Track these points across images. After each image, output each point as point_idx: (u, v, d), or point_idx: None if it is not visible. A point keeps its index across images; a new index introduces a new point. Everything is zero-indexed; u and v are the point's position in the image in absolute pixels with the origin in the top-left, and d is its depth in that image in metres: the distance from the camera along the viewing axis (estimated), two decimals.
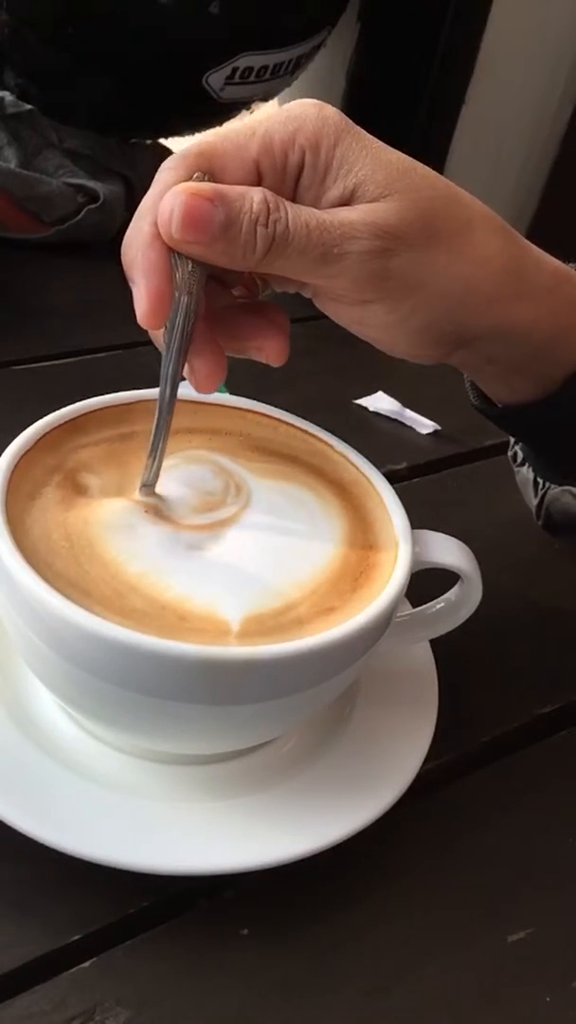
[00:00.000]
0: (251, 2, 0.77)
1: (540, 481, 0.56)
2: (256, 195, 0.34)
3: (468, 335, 0.39)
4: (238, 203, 0.34)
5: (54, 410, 0.39)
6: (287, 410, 0.43)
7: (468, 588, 0.40)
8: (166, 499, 0.37)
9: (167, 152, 0.91)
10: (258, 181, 0.36)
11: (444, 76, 0.98)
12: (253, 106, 0.88)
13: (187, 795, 0.38)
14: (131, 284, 0.36)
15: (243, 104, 0.86)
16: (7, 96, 0.82)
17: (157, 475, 0.37)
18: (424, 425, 0.68)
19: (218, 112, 0.86)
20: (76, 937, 0.35)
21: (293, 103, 0.36)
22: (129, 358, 0.69)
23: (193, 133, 0.91)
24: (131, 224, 0.36)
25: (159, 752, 0.39)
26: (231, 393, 0.43)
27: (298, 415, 0.43)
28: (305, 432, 0.42)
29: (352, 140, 0.36)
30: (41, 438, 0.38)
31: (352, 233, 0.35)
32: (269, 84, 0.84)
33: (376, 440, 0.66)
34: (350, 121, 0.36)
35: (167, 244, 0.34)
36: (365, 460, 0.41)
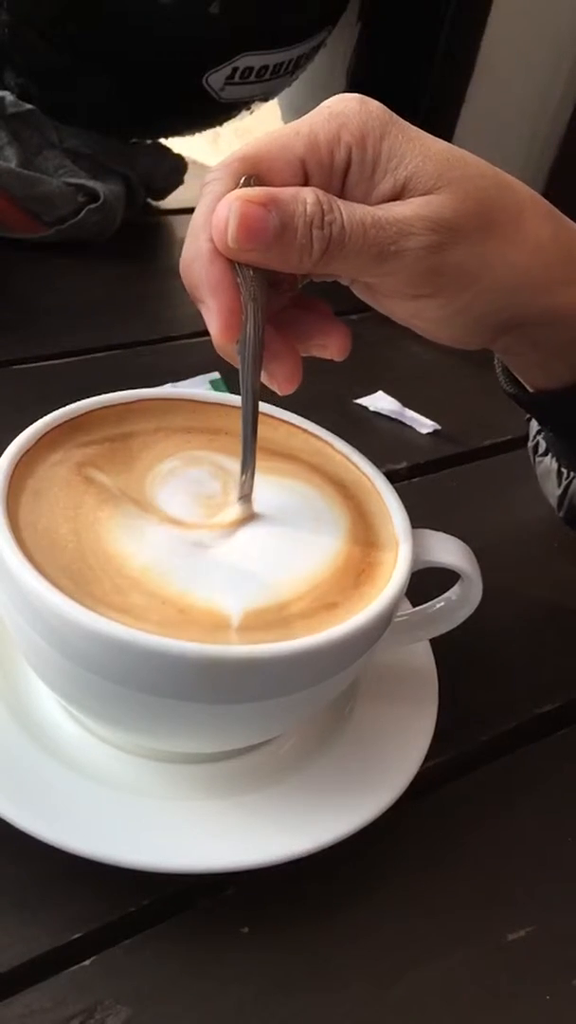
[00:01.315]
0: (251, 2, 0.77)
1: (564, 472, 0.55)
2: (309, 196, 0.34)
3: (518, 321, 0.39)
4: (291, 206, 0.33)
5: (54, 409, 0.39)
6: (287, 409, 0.43)
7: (468, 587, 0.40)
8: (170, 500, 0.37)
9: (168, 152, 0.91)
10: (305, 181, 0.35)
11: (444, 76, 0.98)
12: (253, 106, 0.88)
13: (187, 793, 0.38)
14: (198, 304, 0.35)
15: (243, 104, 0.86)
16: (7, 96, 0.82)
17: (252, 486, 0.37)
18: (424, 425, 0.68)
19: (218, 112, 0.86)
20: (76, 935, 0.35)
21: (333, 99, 0.36)
22: (129, 358, 0.69)
23: (193, 133, 0.91)
24: (186, 242, 0.35)
25: (159, 750, 0.39)
26: (230, 391, 0.43)
27: (298, 415, 0.43)
28: (306, 432, 0.42)
29: (398, 132, 0.35)
30: (43, 436, 0.38)
31: (408, 229, 0.34)
32: (269, 84, 0.84)
33: (376, 440, 0.66)
34: (393, 113, 0.36)
35: (226, 255, 0.34)
36: (366, 459, 0.41)
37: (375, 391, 0.70)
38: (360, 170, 0.35)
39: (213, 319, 0.34)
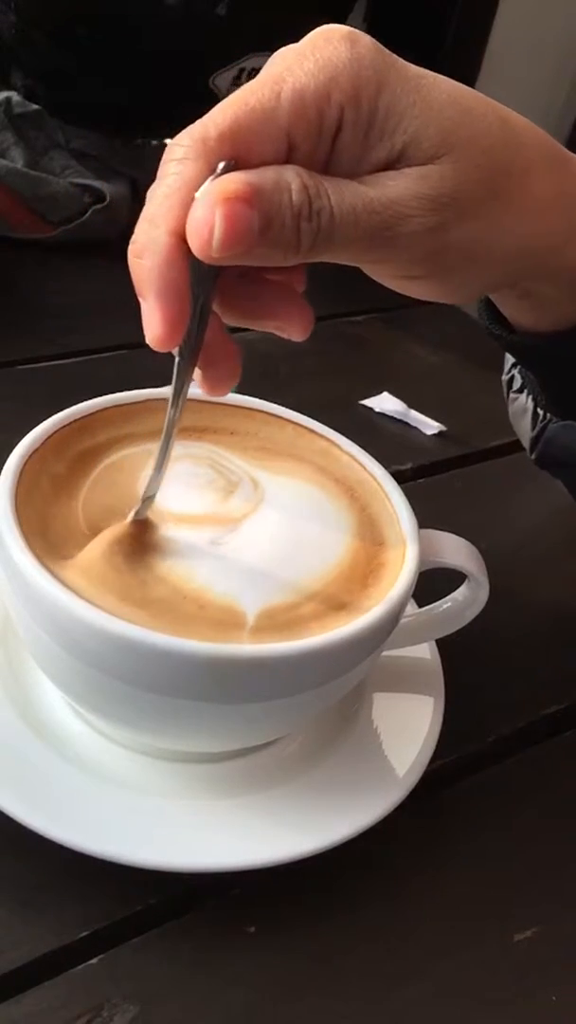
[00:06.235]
0: (258, 3, 0.77)
1: (541, 412, 0.51)
2: (293, 182, 0.29)
3: (513, 282, 0.36)
4: (275, 197, 0.28)
5: (60, 410, 0.39)
6: (293, 410, 0.43)
7: (475, 588, 0.40)
8: (178, 498, 0.37)
9: None
10: (289, 153, 0.30)
11: (450, 77, 0.98)
12: None
13: (194, 793, 0.38)
14: (139, 297, 0.31)
15: None
16: (14, 96, 0.82)
17: (158, 487, 0.35)
18: (429, 426, 0.68)
19: None
20: (84, 934, 0.35)
21: (318, 38, 0.30)
22: (135, 358, 0.69)
23: None
24: (142, 228, 0.30)
25: (167, 750, 0.39)
26: (238, 392, 0.43)
27: (304, 415, 0.43)
28: (312, 432, 0.42)
29: (396, 82, 0.30)
30: (50, 436, 0.38)
31: (405, 212, 0.30)
32: None
33: (381, 441, 0.66)
34: (388, 53, 0.30)
35: (201, 259, 0.29)
36: (372, 460, 0.41)
37: (380, 392, 0.70)
38: (353, 132, 0.30)
39: (155, 324, 0.30)
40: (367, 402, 0.69)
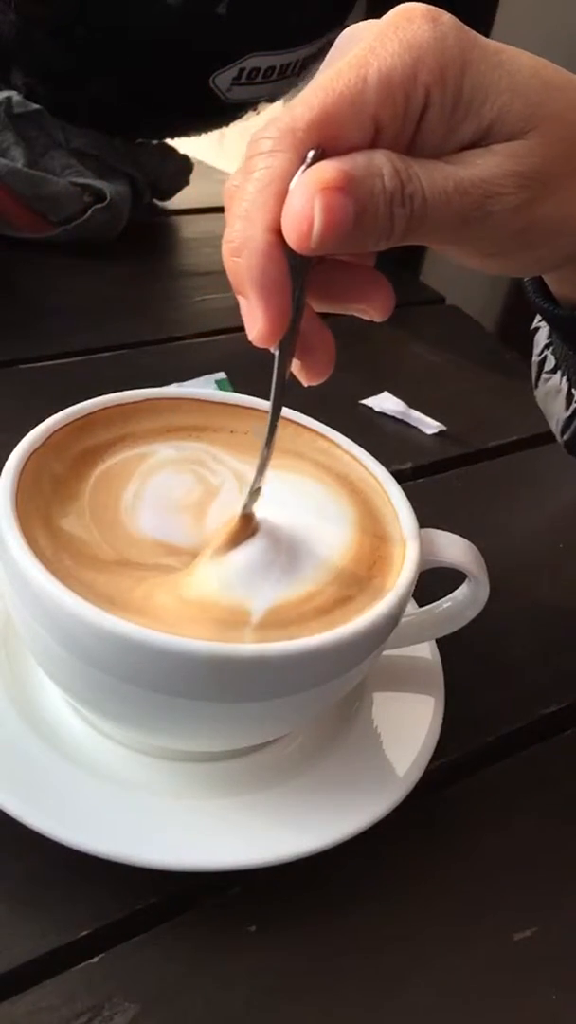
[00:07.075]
0: (259, 3, 0.77)
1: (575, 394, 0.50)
2: (385, 166, 0.29)
3: None
4: (368, 182, 0.28)
5: (60, 410, 0.39)
6: (293, 410, 0.43)
7: (475, 587, 0.40)
8: (180, 498, 0.37)
9: (174, 152, 0.91)
10: (376, 136, 0.29)
11: None
12: (260, 107, 0.88)
13: (195, 792, 0.38)
14: (239, 296, 0.31)
15: (250, 105, 0.86)
16: (14, 96, 0.82)
17: (263, 477, 0.35)
18: (429, 425, 0.68)
19: (225, 113, 0.86)
20: (84, 933, 0.35)
21: (399, 17, 0.30)
22: (135, 357, 0.69)
23: (199, 134, 0.91)
24: (235, 225, 0.30)
25: (167, 749, 0.39)
26: (236, 391, 0.43)
27: (304, 415, 0.43)
28: (312, 431, 0.42)
29: (480, 59, 0.29)
30: (51, 436, 0.38)
31: (495, 190, 0.29)
32: (276, 85, 0.84)
33: (381, 440, 0.66)
34: (468, 30, 0.30)
35: (299, 251, 0.29)
36: (372, 459, 0.41)
37: (380, 391, 0.70)
38: (440, 113, 0.29)
39: (259, 321, 0.30)
40: (367, 401, 0.69)
